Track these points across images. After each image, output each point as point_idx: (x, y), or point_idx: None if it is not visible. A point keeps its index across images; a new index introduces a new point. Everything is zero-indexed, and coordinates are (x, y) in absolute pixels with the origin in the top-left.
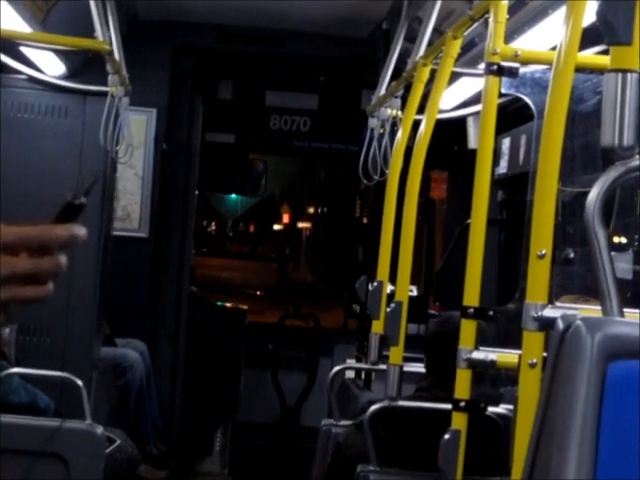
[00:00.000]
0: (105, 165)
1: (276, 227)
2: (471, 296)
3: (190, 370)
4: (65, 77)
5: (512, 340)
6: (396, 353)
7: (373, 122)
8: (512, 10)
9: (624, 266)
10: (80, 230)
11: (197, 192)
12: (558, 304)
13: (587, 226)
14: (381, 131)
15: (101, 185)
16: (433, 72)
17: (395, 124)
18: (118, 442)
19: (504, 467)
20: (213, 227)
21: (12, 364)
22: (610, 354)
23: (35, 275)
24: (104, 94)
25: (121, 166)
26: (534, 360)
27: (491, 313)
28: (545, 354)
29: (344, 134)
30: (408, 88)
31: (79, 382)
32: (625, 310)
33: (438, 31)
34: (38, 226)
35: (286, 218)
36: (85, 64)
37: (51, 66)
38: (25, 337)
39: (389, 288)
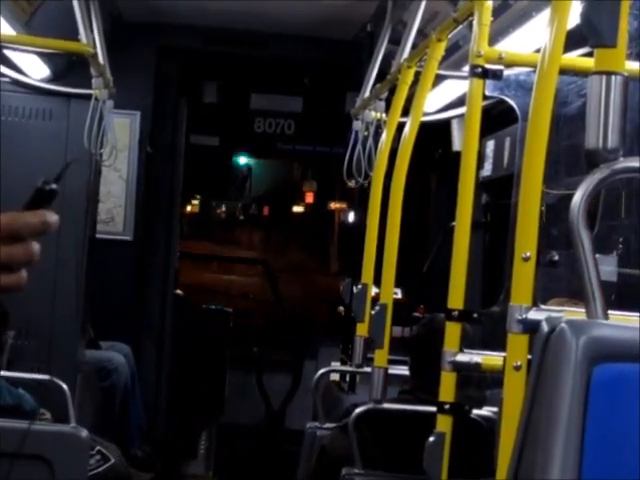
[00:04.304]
0: (89, 168)
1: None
2: (455, 298)
3: (175, 373)
4: (49, 80)
5: (497, 342)
6: (381, 356)
7: (357, 124)
8: (496, 12)
9: (608, 268)
10: (51, 217)
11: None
12: (543, 306)
13: (572, 228)
14: (365, 133)
15: (85, 188)
16: (417, 74)
17: (379, 126)
18: (112, 461)
19: (489, 470)
20: (223, 209)
21: (2, 369)
22: (595, 357)
23: (7, 263)
24: (88, 97)
25: (105, 169)
26: (519, 363)
27: (476, 315)
28: (530, 357)
29: (329, 137)
30: (392, 90)
31: (64, 385)
32: (610, 313)
33: (422, 33)
34: (8, 213)
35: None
36: (69, 66)
37: (35, 69)
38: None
39: (373, 290)
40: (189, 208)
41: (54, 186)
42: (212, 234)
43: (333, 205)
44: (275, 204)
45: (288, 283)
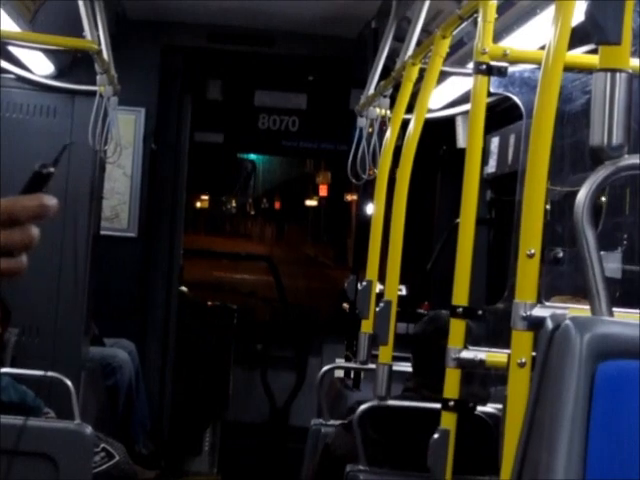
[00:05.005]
0: (94, 165)
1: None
2: (460, 295)
3: (179, 370)
4: (54, 76)
5: (501, 339)
6: (385, 352)
7: (362, 121)
8: (501, 9)
9: (613, 265)
10: (50, 200)
11: None
12: (547, 304)
13: (576, 225)
14: (370, 130)
15: (89, 185)
16: (422, 71)
17: (384, 123)
18: (117, 459)
19: (493, 467)
20: (233, 204)
21: (6, 366)
22: (599, 354)
23: (6, 248)
24: (93, 93)
25: (110, 166)
26: (523, 359)
27: (480, 312)
28: (534, 353)
29: (333, 133)
30: (397, 87)
31: (68, 382)
32: (614, 310)
33: (427, 31)
34: (6, 198)
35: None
36: (74, 63)
37: (40, 65)
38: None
39: (378, 287)
40: (199, 204)
41: (51, 169)
42: (222, 229)
43: (350, 197)
44: (287, 198)
45: (301, 279)
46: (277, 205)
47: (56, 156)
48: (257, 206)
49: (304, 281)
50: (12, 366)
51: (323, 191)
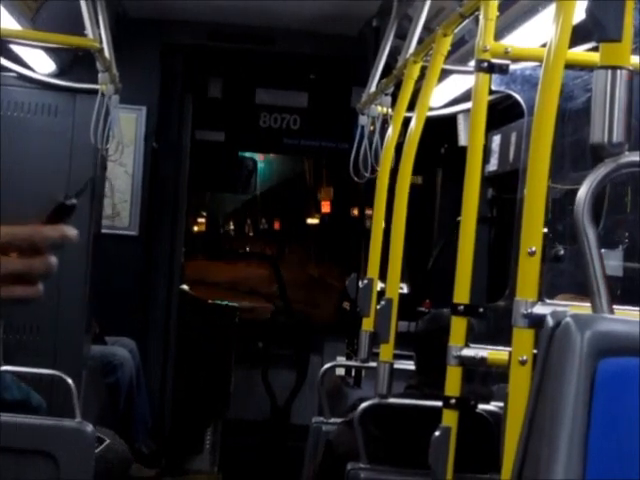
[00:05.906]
0: (95, 163)
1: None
2: (461, 293)
3: (180, 368)
4: (55, 75)
5: (502, 337)
6: (386, 350)
7: (363, 120)
8: (502, 7)
9: (614, 263)
10: (71, 231)
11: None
12: (548, 301)
13: (577, 223)
14: (371, 128)
15: (90, 183)
16: (423, 69)
17: (385, 121)
18: (107, 442)
19: (494, 464)
20: (231, 227)
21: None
22: (600, 351)
23: (25, 275)
24: (94, 92)
25: (111, 164)
26: (524, 357)
27: (481, 310)
28: (535, 351)
29: (334, 132)
30: (398, 85)
31: (69, 380)
32: (615, 307)
33: (428, 29)
34: (29, 226)
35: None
36: (75, 62)
37: (41, 64)
38: (15, 335)
39: (379, 285)
40: (196, 228)
41: (74, 201)
42: (221, 255)
43: (356, 211)
44: (286, 217)
45: (307, 304)
46: (277, 225)
47: (79, 189)
48: (256, 227)
49: (311, 308)
50: (13, 364)
51: (326, 207)
